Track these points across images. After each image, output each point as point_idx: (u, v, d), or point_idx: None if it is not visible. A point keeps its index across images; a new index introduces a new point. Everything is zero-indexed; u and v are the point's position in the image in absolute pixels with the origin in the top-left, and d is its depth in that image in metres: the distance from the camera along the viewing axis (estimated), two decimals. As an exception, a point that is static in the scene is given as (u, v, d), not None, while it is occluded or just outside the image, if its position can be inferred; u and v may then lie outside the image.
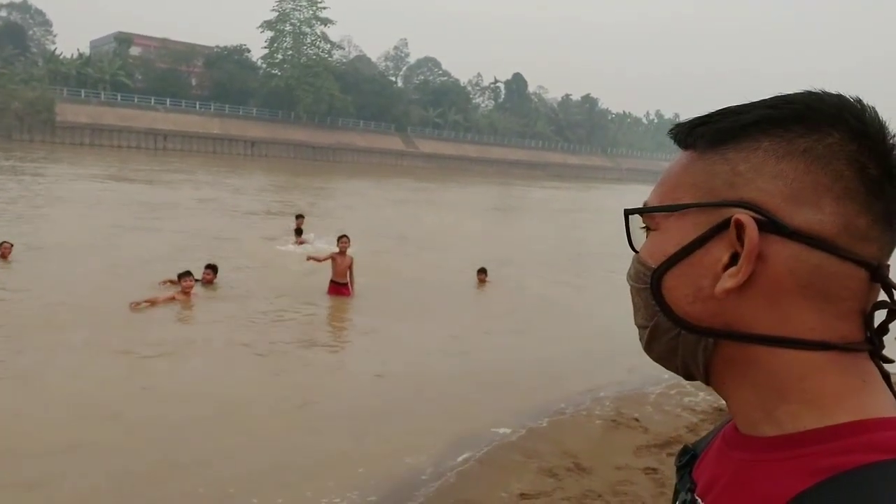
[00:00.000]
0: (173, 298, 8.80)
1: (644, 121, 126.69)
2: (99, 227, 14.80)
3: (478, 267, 11.79)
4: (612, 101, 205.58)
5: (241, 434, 5.20)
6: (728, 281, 0.56)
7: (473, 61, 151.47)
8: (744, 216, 0.55)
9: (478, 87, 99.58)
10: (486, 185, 50.91)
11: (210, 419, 5.46)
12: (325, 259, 10.06)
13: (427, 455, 5.11)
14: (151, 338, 7.43)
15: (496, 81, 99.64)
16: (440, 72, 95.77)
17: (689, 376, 0.64)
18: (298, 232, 14.49)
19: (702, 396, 6.74)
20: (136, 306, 8.34)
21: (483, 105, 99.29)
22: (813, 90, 0.58)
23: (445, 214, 25.05)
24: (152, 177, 30.46)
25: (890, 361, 0.59)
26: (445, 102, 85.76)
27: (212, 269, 9.89)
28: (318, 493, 4.41)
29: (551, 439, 5.46)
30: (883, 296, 0.57)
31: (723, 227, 0.56)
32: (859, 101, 0.57)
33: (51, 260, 10.96)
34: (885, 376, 0.58)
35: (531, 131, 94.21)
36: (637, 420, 6.00)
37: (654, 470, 4.85)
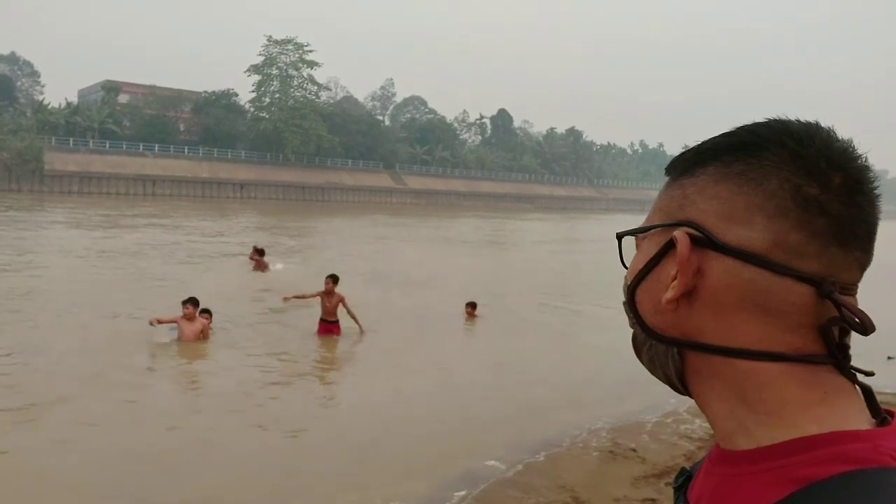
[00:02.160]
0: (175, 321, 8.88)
1: (629, 151, 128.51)
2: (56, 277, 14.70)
3: (467, 301, 11.77)
4: (597, 133, 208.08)
5: (226, 477, 5.09)
6: (669, 292, 0.61)
7: (459, 98, 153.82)
8: (678, 233, 0.60)
9: (464, 124, 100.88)
10: (476, 218, 51.16)
11: (195, 467, 5.35)
12: (311, 297, 10.01)
13: (422, 494, 5.02)
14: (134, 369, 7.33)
15: (482, 117, 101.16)
16: (426, 109, 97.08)
17: (673, 387, 0.67)
18: (261, 253, 16.17)
19: (698, 423, 6.70)
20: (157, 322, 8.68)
21: (470, 140, 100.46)
22: (771, 118, 0.62)
23: (435, 249, 25.10)
24: (131, 222, 30.41)
25: (868, 374, 0.60)
26: (432, 139, 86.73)
27: (192, 302, 9.53)
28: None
29: (548, 473, 5.38)
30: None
31: (671, 244, 0.61)
32: (810, 125, 0.60)
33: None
34: (866, 390, 0.60)
35: (518, 165, 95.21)
36: (634, 450, 5.94)
37: (653, 500, 4.79)
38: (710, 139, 0.64)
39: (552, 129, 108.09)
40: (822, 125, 0.61)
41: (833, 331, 0.58)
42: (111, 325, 10.00)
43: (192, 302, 9.14)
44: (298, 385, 7.81)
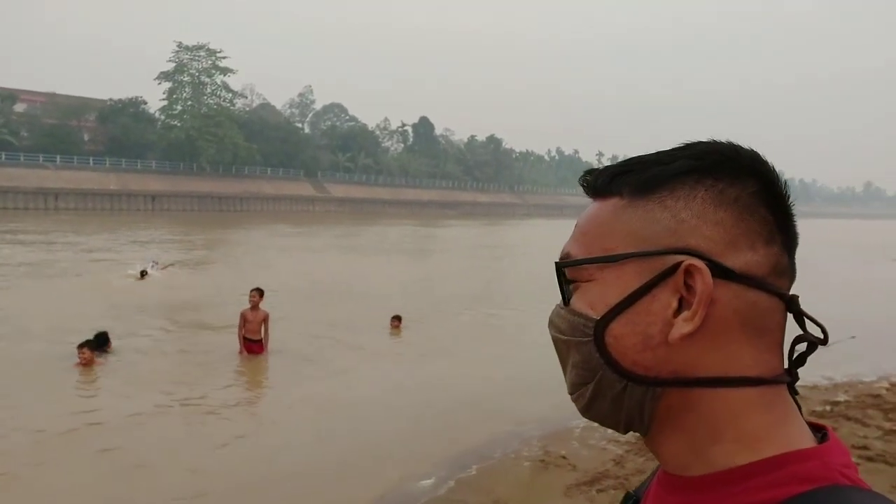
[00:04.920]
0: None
1: (546, 158, 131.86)
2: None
3: (392, 314, 11.59)
4: (516, 141, 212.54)
5: None
6: (684, 326, 0.57)
7: (379, 105, 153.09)
8: (697, 262, 0.57)
9: (386, 132, 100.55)
10: (401, 226, 50.93)
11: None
12: (240, 323, 9.40)
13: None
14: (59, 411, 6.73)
15: (404, 125, 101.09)
16: (347, 117, 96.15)
17: (628, 430, 0.63)
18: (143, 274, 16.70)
19: (625, 426, 6.79)
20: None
21: (392, 148, 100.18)
22: (717, 141, 0.63)
23: (359, 259, 24.73)
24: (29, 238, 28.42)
25: (796, 393, 0.62)
26: (354, 147, 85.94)
27: (97, 340, 8.91)
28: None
29: (481, 488, 5.29)
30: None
31: (669, 272, 0.57)
32: (757, 153, 0.63)
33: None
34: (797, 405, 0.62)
35: (441, 172, 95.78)
36: (564, 457, 5.95)
37: (586, 509, 4.77)
38: (668, 155, 0.62)
39: (473, 136, 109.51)
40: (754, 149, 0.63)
41: (793, 347, 0.60)
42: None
43: (89, 345, 8.54)
44: (215, 415, 7.39)
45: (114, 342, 9.34)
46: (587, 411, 0.63)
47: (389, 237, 38.14)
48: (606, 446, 6.25)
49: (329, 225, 46.63)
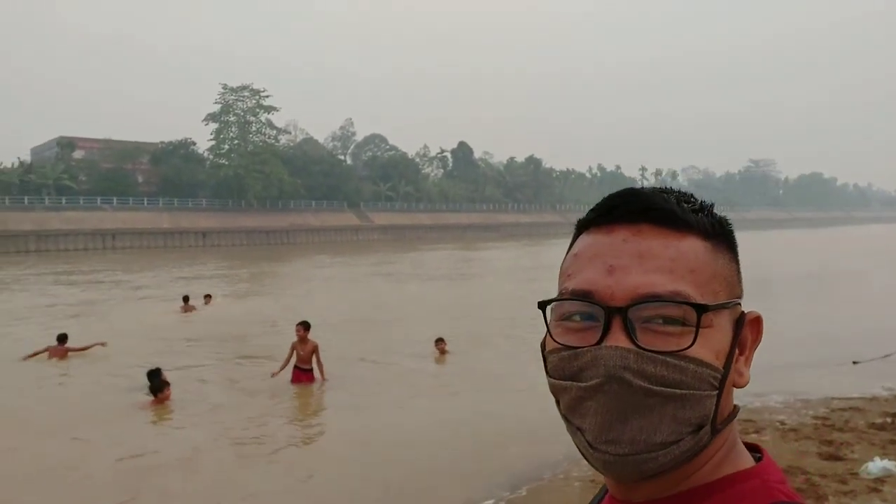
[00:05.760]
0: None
1: (588, 175, 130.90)
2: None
3: (436, 337, 11.71)
4: (556, 160, 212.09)
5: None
6: (747, 373, 0.60)
7: (419, 133, 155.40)
8: (758, 314, 0.62)
9: (425, 158, 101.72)
10: (441, 250, 51.25)
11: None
12: (290, 355, 9.71)
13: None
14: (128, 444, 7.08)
15: (443, 151, 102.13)
16: (387, 146, 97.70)
17: (645, 478, 0.62)
18: (185, 299, 17.61)
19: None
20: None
21: (432, 174, 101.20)
22: (683, 192, 0.67)
23: (404, 285, 25.02)
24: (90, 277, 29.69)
25: None
26: (395, 175, 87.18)
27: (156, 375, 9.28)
28: None
29: (532, 508, 5.34)
30: None
31: (741, 322, 0.61)
32: None
33: None
34: None
35: (481, 195, 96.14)
36: (615, 477, 5.94)
37: (638, 528, 4.77)
38: (709, 210, 0.66)
39: (512, 158, 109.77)
40: None
41: None
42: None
43: (160, 387, 8.69)
44: (271, 444, 7.63)
45: (167, 376, 9.63)
46: (644, 472, 0.60)
47: (429, 262, 38.40)
48: (657, 464, 6.22)
49: (369, 254, 47.21)
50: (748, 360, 0.59)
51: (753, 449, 0.64)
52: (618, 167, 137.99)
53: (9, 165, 63.96)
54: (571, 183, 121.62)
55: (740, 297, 0.62)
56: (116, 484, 6.06)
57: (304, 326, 9.75)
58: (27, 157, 71.50)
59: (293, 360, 9.75)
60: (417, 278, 28.02)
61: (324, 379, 9.73)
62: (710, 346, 0.59)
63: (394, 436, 7.45)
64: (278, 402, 9.02)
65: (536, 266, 35.39)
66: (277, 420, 8.24)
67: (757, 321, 0.62)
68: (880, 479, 5.21)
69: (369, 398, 9.12)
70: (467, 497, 5.66)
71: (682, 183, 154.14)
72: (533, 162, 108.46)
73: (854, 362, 9.85)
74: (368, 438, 7.41)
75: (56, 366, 11.20)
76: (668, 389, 0.57)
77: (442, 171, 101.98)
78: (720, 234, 0.63)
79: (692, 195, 0.65)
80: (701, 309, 0.58)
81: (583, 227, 0.70)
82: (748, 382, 0.58)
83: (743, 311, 0.61)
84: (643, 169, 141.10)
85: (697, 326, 0.58)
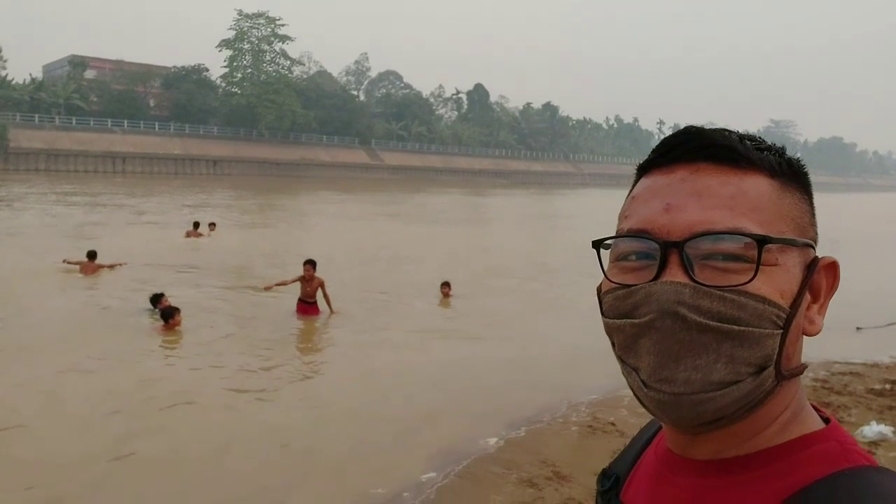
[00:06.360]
0: None
1: (604, 126, 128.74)
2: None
3: (441, 280, 11.74)
4: (573, 108, 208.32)
5: (214, 470, 5.08)
6: (819, 321, 0.58)
7: (434, 73, 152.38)
8: (834, 259, 0.60)
9: (440, 99, 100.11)
10: (453, 194, 51.07)
11: (180, 449, 5.33)
12: (291, 282, 9.95)
13: (406, 473, 5.06)
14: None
15: (458, 92, 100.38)
16: (402, 84, 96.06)
17: (708, 424, 0.59)
18: (195, 225, 18.10)
19: (675, 397, 6.83)
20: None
21: (446, 116, 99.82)
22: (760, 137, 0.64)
23: (413, 227, 25.03)
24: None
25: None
26: (408, 115, 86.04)
27: (160, 300, 9.32)
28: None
29: (529, 449, 5.46)
30: None
31: (814, 264, 0.58)
32: None
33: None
34: None
35: (494, 140, 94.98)
36: (613, 424, 6.05)
37: (632, 474, 4.88)
38: (778, 150, 0.63)
39: (528, 104, 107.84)
40: None
41: None
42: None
43: (170, 313, 8.75)
44: (278, 373, 7.77)
45: (168, 301, 9.69)
46: (701, 415, 0.57)
47: (436, 205, 38.27)
48: (655, 415, 6.31)
49: (378, 192, 47.04)
50: (822, 308, 0.57)
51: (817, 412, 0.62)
52: (635, 119, 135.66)
53: (20, 81, 63.33)
54: (587, 133, 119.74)
55: (814, 240, 0.60)
56: (122, 414, 6.21)
57: (312, 265, 9.82)
58: (39, 75, 70.74)
59: (298, 293, 9.87)
60: (424, 221, 27.98)
61: (333, 312, 9.85)
62: (773, 283, 0.57)
63: (397, 373, 7.57)
64: (284, 335, 9.15)
65: (544, 215, 35.29)
66: (283, 353, 8.37)
67: (833, 267, 0.59)
68: (874, 443, 5.29)
69: (373, 335, 9.24)
70: (467, 434, 5.78)
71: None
72: (549, 109, 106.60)
73: (858, 328, 9.87)
74: (372, 374, 7.53)
75: (84, 280, 11.57)
76: (726, 325, 0.55)
77: (456, 113, 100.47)
78: (789, 174, 0.61)
79: (759, 137, 0.63)
80: (762, 241, 0.57)
81: (643, 170, 0.66)
82: (820, 331, 0.56)
83: (817, 256, 0.59)
84: (661, 122, 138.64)
85: (759, 260, 0.57)
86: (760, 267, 0.56)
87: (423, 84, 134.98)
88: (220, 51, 72.43)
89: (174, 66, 72.34)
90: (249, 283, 12.29)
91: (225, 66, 72.28)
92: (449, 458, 5.28)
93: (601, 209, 41.69)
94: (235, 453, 5.31)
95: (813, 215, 0.61)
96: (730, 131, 0.61)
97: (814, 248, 0.60)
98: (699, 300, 0.55)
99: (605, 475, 0.72)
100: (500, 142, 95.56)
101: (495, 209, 39.20)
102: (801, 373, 0.59)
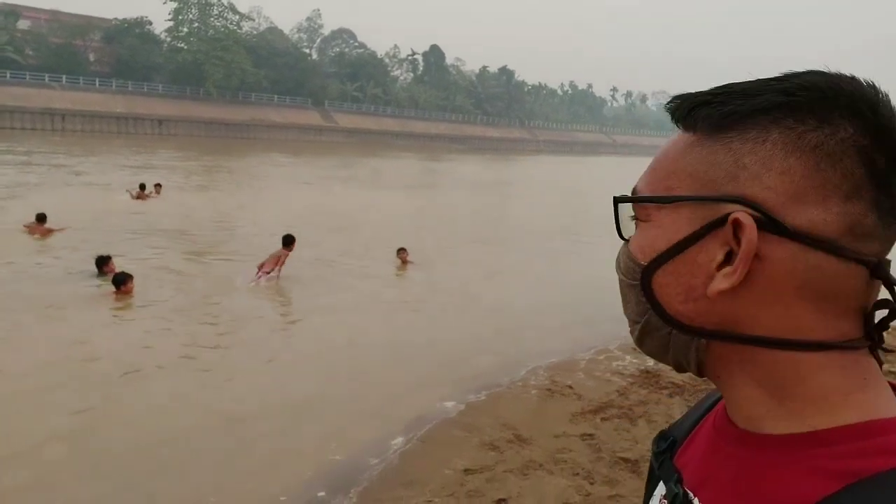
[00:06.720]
0: None
1: (559, 92, 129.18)
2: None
3: (398, 247, 11.64)
4: (528, 73, 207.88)
5: (173, 446, 4.98)
6: (722, 282, 0.54)
7: (389, 32, 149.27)
8: (743, 215, 0.52)
9: (395, 60, 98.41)
10: (409, 159, 50.64)
11: (136, 426, 5.22)
12: (275, 264, 9.76)
13: (368, 438, 5.08)
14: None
15: (414, 53, 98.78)
16: (356, 44, 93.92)
17: (680, 370, 0.62)
18: (142, 187, 17.50)
19: (629, 360, 7.02)
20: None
21: (402, 78, 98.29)
22: (826, 72, 0.55)
23: (368, 192, 24.76)
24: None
25: (889, 350, 0.58)
26: (363, 76, 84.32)
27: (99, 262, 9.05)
28: (261, 492, 4.30)
29: (490, 412, 5.54)
30: (883, 292, 0.55)
31: (719, 223, 0.54)
32: (874, 86, 0.54)
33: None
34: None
35: (451, 105, 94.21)
36: (571, 387, 6.18)
37: (591, 435, 5.02)
38: (757, 87, 0.55)
39: (485, 67, 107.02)
40: (873, 84, 0.54)
41: (874, 313, 0.55)
42: None
43: (122, 278, 8.40)
44: (232, 341, 7.64)
45: (115, 266, 9.33)
46: (640, 345, 0.63)
47: (392, 170, 37.93)
48: (611, 378, 6.48)
49: (332, 155, 46.24)
50: (735, 270, 0.53)
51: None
52: (589, 86, 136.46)
53: (-54, 30, 59.35)
54: (542, 98, 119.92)
55: (732, 196, 0.54)
56: (76, 391, 6.02)
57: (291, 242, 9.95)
58: (-34, 23, 66.30)
59: (260, 261, 9.76)
60: (379, 186, 27.69)
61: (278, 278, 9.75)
62: (638, 240, 0.60)
63: (355, 342, 7.53)
64: (240, 303, 8.98)
65: (497, 182, 35.38)
66: (239, 323, 8.20)
67: (741, 225, 0.53)
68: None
69: (330, 303, 9.13)
70: (428, 400, 5.83)
71: (650, 107, 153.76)
72: (506, 73, 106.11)
73: None
74: (330, 345, 7.46)
75: (34, 243, 11.22)
76: (619, 275, 0.62)
77: (412, 75, 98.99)
78: (721, 126, 0.55)
79: (759, 81, 0.56)
80: (616, 201, 0.61)
81: None
82: (718, 290, 0.53)
83: (729, 213, 0.53)
84: (614, 89, 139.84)
85: (616, 218, 0.62)
86: (638, 223, 0.60)
87: (378, 44, 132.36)
88: (164, 2, 69.04)
89: (115, 19, 68.80)
90: (200, 249, 11.99)
91: (170, 20, 69.09)
92: (412, 424, 5.31)
93: (557, 175, 41.88)
94: (192, 435, 5.23)
95: (743, 166, 0.54)
96: (725, 87, 0.57)
97: (739, 203, 0.53)
98: (618, 255, 0.63)
99: (661, 437, 0.71)
100: (456, 106, 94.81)
101: (451, 175, 39.10)
102: (740, 340, 0.55)
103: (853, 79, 0.54)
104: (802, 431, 0.53)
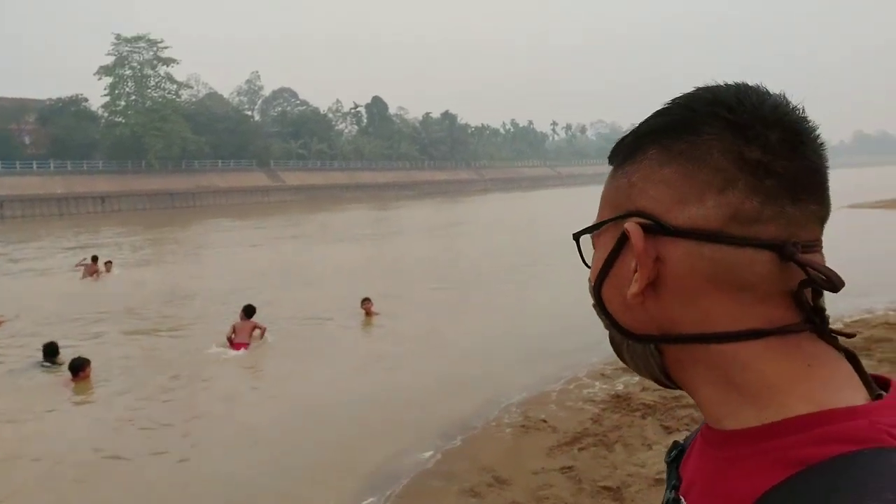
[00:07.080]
0: None
1: (502, 131, 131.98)
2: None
3: (362, 297, 11.57)
4: (470, 115, 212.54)
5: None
6: (633, 286, 0.59)
7: (330, 87, 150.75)
8: (629, 224, 0.59)
9: (338, 114, 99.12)
10: (358, 210, 50.61)
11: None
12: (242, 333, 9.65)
13: (343, 499, 4.93)
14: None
15: (356, 106, 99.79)
16: (297, 101, 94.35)
17: (659, 382, 0.64)
18: (94, 259, 17.07)
19: (598, 386, 7.05)
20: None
21: (346, 131, 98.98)
22: (705, 86, 0.60)
23: (317, 247, 24.58)
24: None
25: (849, 336, 0.59)
26: (307, 132, 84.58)
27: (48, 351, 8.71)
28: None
29: (467, 457, 5.47)
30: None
31: (624, 236, 0.59)
32: (739, 88, 0.59)
33: None
34: (850, 354, 0.58)
35: (397, 153, 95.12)
36: (545, 421, 6.16)
37: (570, 468, 4.98)
38: (647, 121, 0.62)
39: (428, 114, 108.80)
40: (751, 84, 0.59)
41: (806, 294, 0.56)
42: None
43: (79, 364, 8.07)
44: (206, 417, 7.39)
45: (71, 350, 9.01)
46: (625, 363, 0.67)
47: (341, 223, 37.80)
48: (584, 406, 6.49)
49: (280, 215, 45.85)
50: (640, 274, 0.58)
51: (882, 382, 0.58)
52: (530, 122, 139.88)
53: None
54: (486, 139, 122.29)
55: (638, 210, 0.59)
56: (44, 487, 5.71)
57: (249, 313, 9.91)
58: None
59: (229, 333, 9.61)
60: (328, 240, 27.49)
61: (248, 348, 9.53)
62: (592, 264, 0.66)
63: (323, 400, 7.38)
64: (204, 377, 8.70)
65: (447, 224, 35.64)
66: (205, 397, 7.95)
67: (626, 231, 0.59)
68: None
69: (296, 365, 8.96)
70: (403, 451, 5.72)
71: (591, 137, 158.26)
72: (448, 117, 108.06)
73: None
74: (299, 405, 7.28)
75: None
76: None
77: (356, 127, 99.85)
78: (625, 154, 0.63)
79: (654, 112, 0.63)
80: (575, 237, 0.68)
81: None
82: (633, 295, 0.58)
83: (627, 227, 0.59)
84: (554, 123, 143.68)
85: (580, 250, 0.68)
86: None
87: (319, 99, 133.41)
88: (99, 78, 68.22)
89: (49, 99, 67.69)
90: (155, 325, 11.63)
91: (106, 95, 68.29)
92: (388, 479, 5.19)
93: (503, 213, 42.42)
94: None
95: (633, 184, 0.61)
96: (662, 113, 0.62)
97: (634, 216, 0.59)
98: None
99: (673, 446, 0.73)
100: (402, 154, 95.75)
101: (401, 222, 39.18)
102: (680, 340, 0.59)
103: (719, 86, 0.60)
104: (756, 425, 0.55)
